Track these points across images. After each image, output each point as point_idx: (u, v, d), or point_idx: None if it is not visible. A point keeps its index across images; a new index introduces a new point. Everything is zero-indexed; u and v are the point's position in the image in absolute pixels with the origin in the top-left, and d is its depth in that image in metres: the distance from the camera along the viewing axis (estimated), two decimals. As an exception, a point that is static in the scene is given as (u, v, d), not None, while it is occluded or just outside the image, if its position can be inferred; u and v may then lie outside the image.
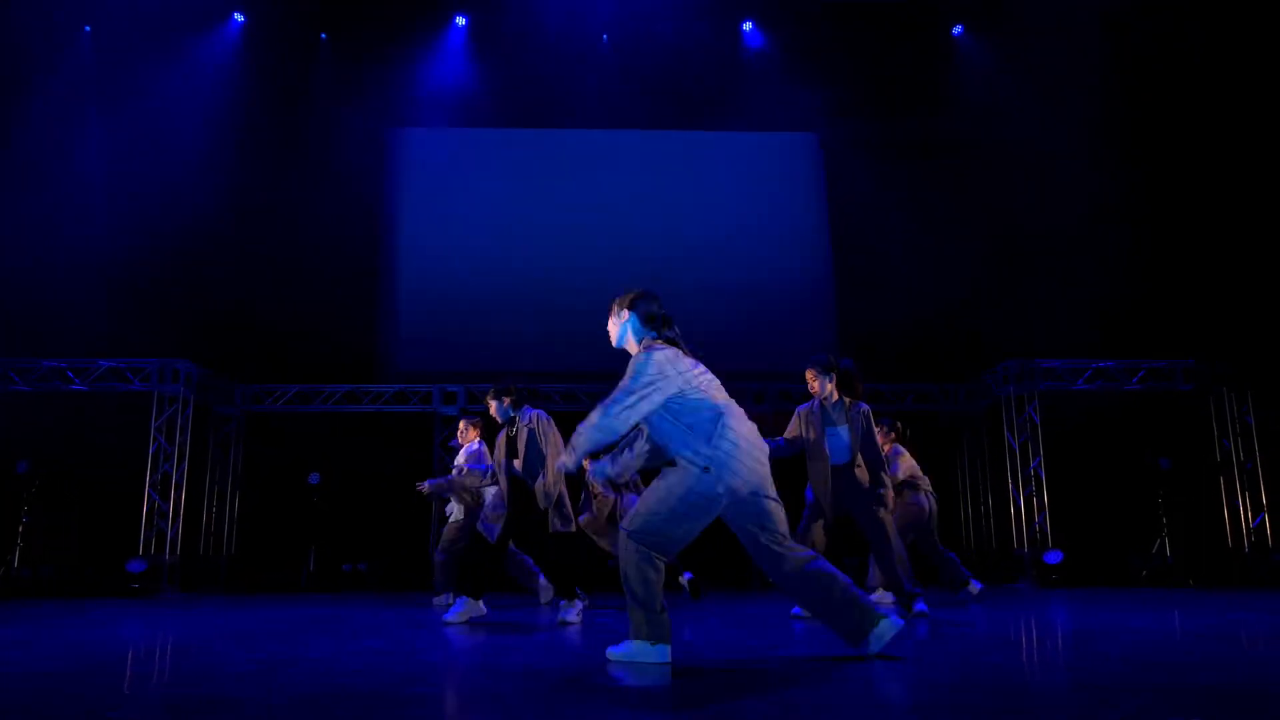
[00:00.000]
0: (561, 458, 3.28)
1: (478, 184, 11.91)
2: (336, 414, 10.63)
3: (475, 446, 6.71)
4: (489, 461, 6.19)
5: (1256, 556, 9.34)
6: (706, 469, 3.08)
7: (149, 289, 10.56)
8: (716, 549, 6.50)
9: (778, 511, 3.20)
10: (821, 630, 4.09)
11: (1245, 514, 9.62)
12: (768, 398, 10.26)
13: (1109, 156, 10.67)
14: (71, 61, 11.24)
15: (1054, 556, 9.12)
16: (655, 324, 3.37)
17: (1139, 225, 10.63)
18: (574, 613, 5.02)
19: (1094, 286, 10.38)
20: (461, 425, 6.93)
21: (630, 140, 12.11)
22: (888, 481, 5.38)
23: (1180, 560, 9.17)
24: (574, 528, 5.33)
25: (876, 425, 6.77)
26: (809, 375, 5.34)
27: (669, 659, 3.11)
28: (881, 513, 5.22)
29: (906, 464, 6.75)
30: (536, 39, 11.66)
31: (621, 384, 3.17)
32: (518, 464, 5.22)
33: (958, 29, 12.05)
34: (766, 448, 3.24)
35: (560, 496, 5.19)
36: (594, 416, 3.14)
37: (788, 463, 5.34)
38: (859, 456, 5.22)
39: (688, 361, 3.26)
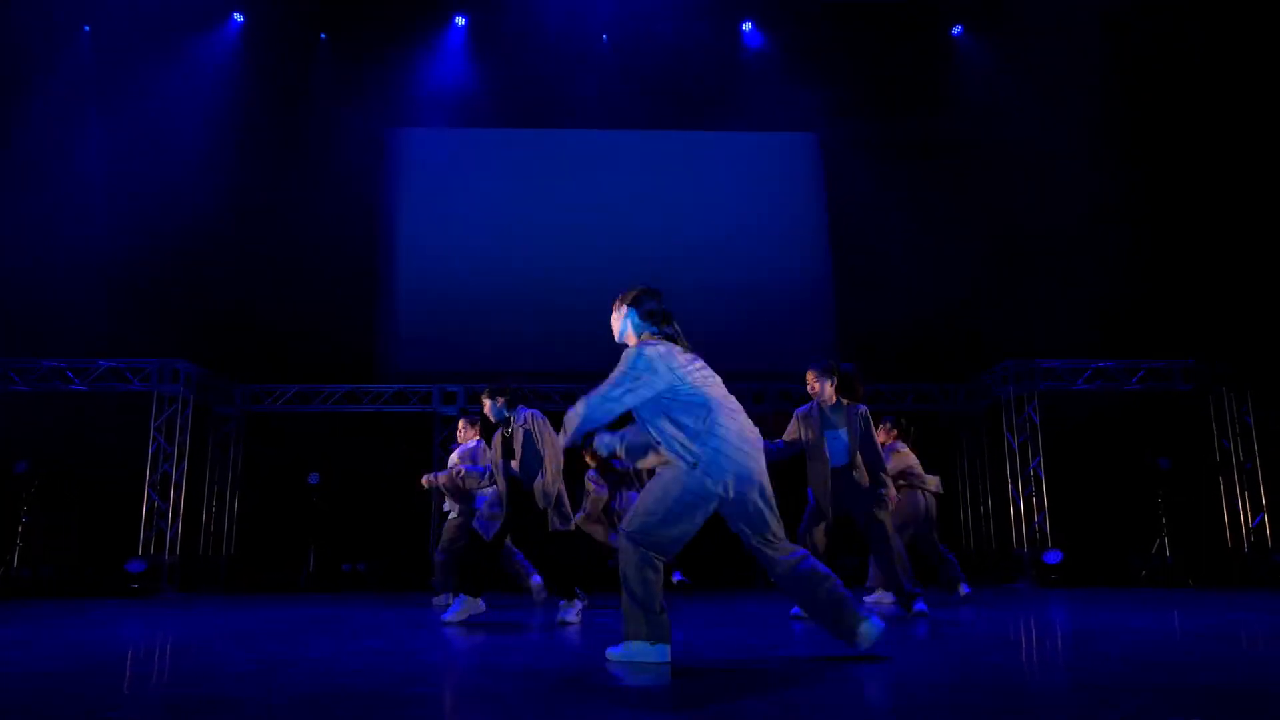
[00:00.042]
0: (559, 438, 3.35)
1: (477, 184, 11.91)
2: (336, 414, 10.63)
3: (472, 445, 6.70)
4: (485, 462, 6.19)
5: (1256, 556, 9.34)
6: (694, 465, 3.11)
7: (149, 289, 10.56)
8: (717, 549, 6.51)
9: (767, 511, 3.20)
10: (821, 630, 4.09)
11: (1245, 514, 9.63)
12: (767, 398, 10.26)
13: (1109, 156, 10.67)
14: (71, 61, 11.24)
15: (1053, 556, 9.12)
16: (654, 320, 3.40)
17: (1139, 225, 10.63)
18: (573, 613, 5.02)
19: (1094, 286, 10.38)
20: (461, 425, 6.93)
21: (630, 140, 12.11)
22: (889, 482, 5.38)
23: (1180, 560, 9.17)
24: (573, 526, 5.33)
25: (880, 424, 6.80)
26: (809, 377, 5.34)
27: (668, 658, 3.11)
28: (881, 513, 5.23)
29: (899, 460, 6.74)
30: (536, 39, 11.66)
31: (611, 375, 3.23)
32: (514, 464, 5.22)
33: (957, 29, 12.05)
34: (759, 445, 3.23)
35: (559, 495, 5.19)
36: (579, 406, 3.20)
37: (788, 464, 5.35)
38: (858, 458, 5.22)
39: (683, 358, 3.26)
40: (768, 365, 10.41)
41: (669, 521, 3.13)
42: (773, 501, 3.24)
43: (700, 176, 11.99)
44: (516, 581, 6.72)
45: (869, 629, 3.15)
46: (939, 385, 10.88)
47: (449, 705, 2.50)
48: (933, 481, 6.87)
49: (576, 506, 6.68)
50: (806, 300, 11.65)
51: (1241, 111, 10.36)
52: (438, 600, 6.64)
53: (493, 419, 5.35)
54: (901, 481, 6.67)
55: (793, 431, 5.30)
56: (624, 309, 3.43)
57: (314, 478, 9.82)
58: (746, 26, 12.18)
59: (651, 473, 3.37)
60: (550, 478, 5.13)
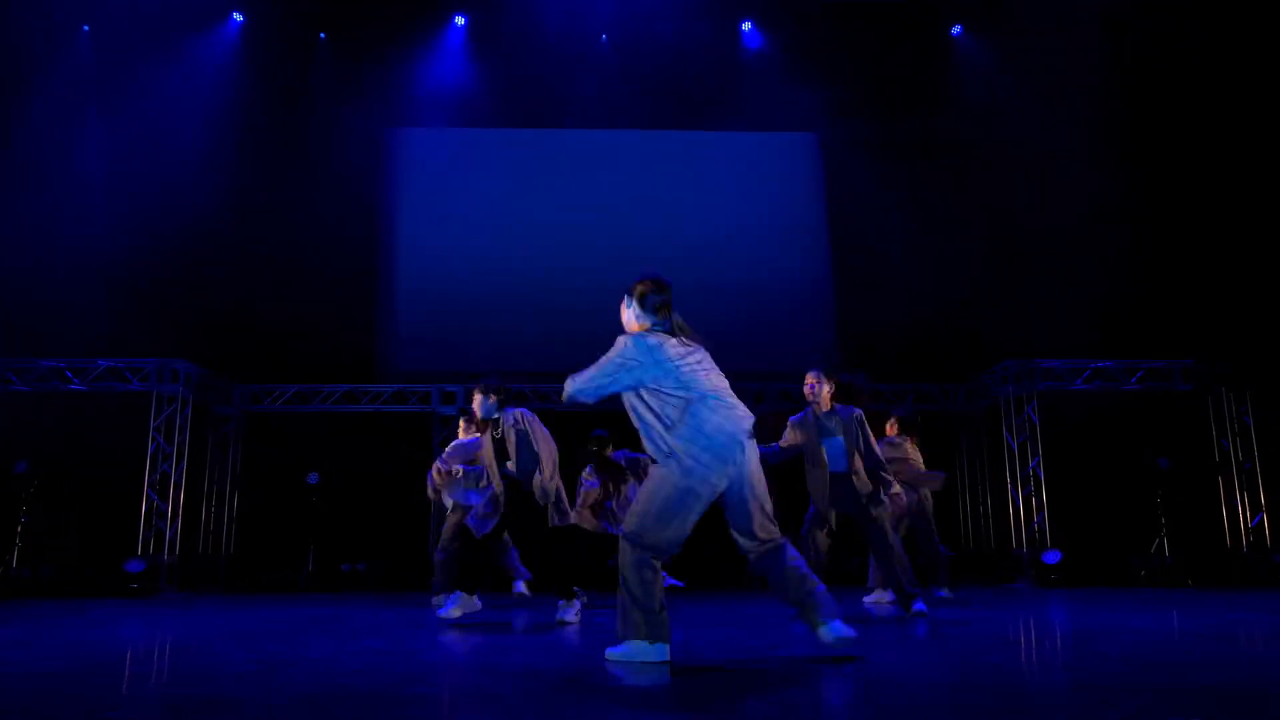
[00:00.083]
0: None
1: (477, 184, 11.90)
2: (335, 414, 10.62)
3: (470, 441, 6.66)
4: (481, 461, 6.17)
5: (1255, 556, 9.35)
6: (669, 454, 3.16)
7: (149, 289, 10.55)
8: (717, 549, 6.51)
9: (752, 505, 3.22)
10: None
11: (1244, 514, 9.63)
12: (767, 398, 10.26)
13: (1109, 156, 10.67)
14: (71, 61, 11.23)
15: (1053, 556, 9.12)
16: (655, 310, 3.42)
17: (1139, 225, 10.63)
18: (572, 612, 5.03)
19: (1094, 286, 10.38)
20: (462, 425, 6.93)
21: (630, 140, 12.11)
22: (891, 481, 5.38)
23: (1179, 560, 9.17)
24: (571, 520, 5.34)
25: (887, 419, 6.83)
26: (809, 378, 5.31)
27: (668, 657, 3.12)
28: (880, 514, 5.23)
29: (891, 451, 6.68)
30: (536, 39, 11.65)
31: (600, 360, 3.32)
32: (510, 465, 5.20)
33: (957, 29, 12.05)
34: (742, 440, 3.21)
35: (558, 491, 5.20)
36: (567, 384, 3.36)
37: (788, 466, 5.35)
38: (857, 462, 5.22)
39: (678, 350, 3.29)
40: (768, 365, 10.40)
41: (662, 519, 3.15)
42: (761, 498, 3.25)
43: (700, 176, 11.99)
44: (507, 575, 6.77)
45: (824, 632, 3.17)
46: (939, 385, 10.88)
47: (449, 705, 2.50)
48: (931, 478, 6.85)
49: (572, 502, 6.70)
50: (806, 300, 11.65)
51: (1241, 111, 10.36)
52: (437, 600, 6.63)
53: (479, 415, 5.31)
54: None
55: (788, 439, 5.30)
56: (629, 299, 3.50)
57: (313, 477, 9.82)
58: (746, 26, 12.18)
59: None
60: (548, 474, 5.13)
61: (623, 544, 3.21)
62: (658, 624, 3.13)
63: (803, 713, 2.24)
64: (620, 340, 3.34)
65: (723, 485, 3.17)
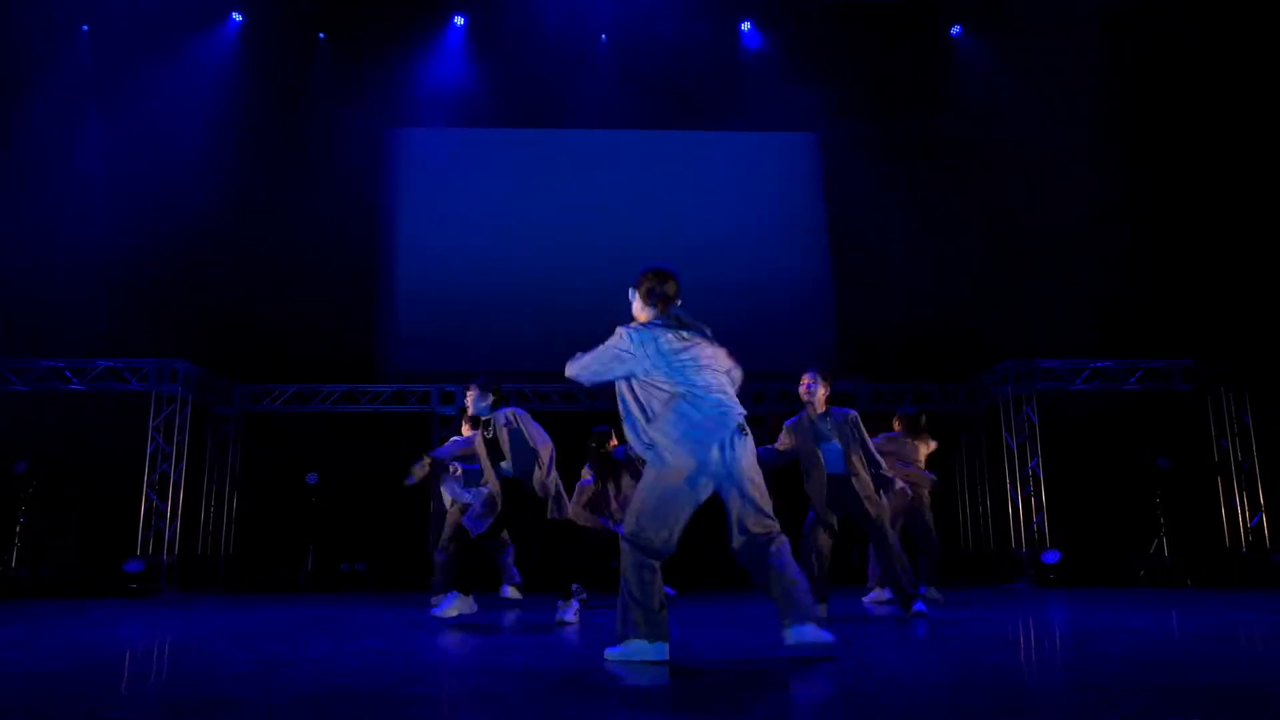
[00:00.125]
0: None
1: (477, 184, 11.90)
2: (335, 414, 10.62)
3: (468, 437, 6.65)
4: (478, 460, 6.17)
5: (1254, 556, 9.35)
6: (650, 446, 3.21)
7: (149, 289, 10.54)
8: (716, 549, 6.50)
9: (738, 502, 3.23)
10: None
11: (1243, 514, 9.63)
12: (767, 398, 10.26)
13: (1109, 156, 10.67)
14: (71, 61, 11.22)
15: (1052, 556, 9.12)
16: (656, 302, 3.43)
17: (1139, 225, 10.62)
18: (571, 612, 5.03)
19: (1094, 286, 10.37)
20: (465, 424, 6.94)
21: (630, 140, 12.10)
22: (893, 478, 5.38)
23: (1178, 560, 9.17)
24: (570, 513, 5.35)
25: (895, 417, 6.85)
26: (805, 379, 5.30)
27: (667, 656, 3.12)
28: (879, 514, 5.23)
29: (887, 445, 6.66)
30: (536, 39, 11.65)
31: (596, 348, 3.37)
32: (506, 465, 5.20)
33: (957, 29, 12.05)
34: (724, 436, 3.20)
35: (558, 485, 5.21)
36: (570, 365, 3.44)
37: (788, 468, 5.35)
38: (856, 464, 5.22)
39: (672, 345, 3.29)
40: (767, 365, 10.35)
41: (656, 516, 3.17)
42: (755, 492, 3.24)
43: (700, 176, 11.98)
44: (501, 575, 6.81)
45: (793, 634, 3.16)
46: (939, 385, 10.88)
47: (449, 705, 2.50)
48: (921, 479, 6.83)
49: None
50: (806, 300, 11.64)
51: (1241, 112, 10.36)
52: (435, 600, 6.64)
53: (471, 411, 5.34)
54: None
55: (784, 442, 5.30)
56: (633, 290, 3.54)
57: (313, 477, 9.81)
58: (746, 26, 12.17)
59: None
60: (546, 470, 5.14)
61: (623, 544, 3.25)
62: (657, 623, 3.14)
63: (803, 713, 2.24)
64: (618, 331, 3.36)
65: (708, 482, 3.19)
